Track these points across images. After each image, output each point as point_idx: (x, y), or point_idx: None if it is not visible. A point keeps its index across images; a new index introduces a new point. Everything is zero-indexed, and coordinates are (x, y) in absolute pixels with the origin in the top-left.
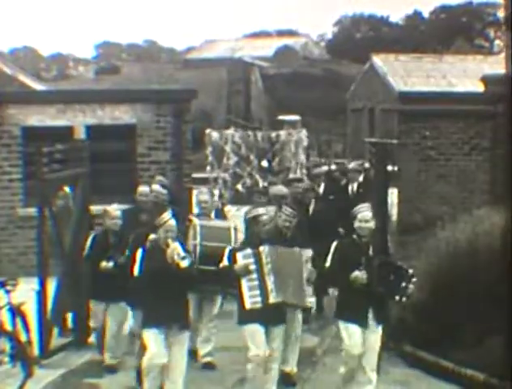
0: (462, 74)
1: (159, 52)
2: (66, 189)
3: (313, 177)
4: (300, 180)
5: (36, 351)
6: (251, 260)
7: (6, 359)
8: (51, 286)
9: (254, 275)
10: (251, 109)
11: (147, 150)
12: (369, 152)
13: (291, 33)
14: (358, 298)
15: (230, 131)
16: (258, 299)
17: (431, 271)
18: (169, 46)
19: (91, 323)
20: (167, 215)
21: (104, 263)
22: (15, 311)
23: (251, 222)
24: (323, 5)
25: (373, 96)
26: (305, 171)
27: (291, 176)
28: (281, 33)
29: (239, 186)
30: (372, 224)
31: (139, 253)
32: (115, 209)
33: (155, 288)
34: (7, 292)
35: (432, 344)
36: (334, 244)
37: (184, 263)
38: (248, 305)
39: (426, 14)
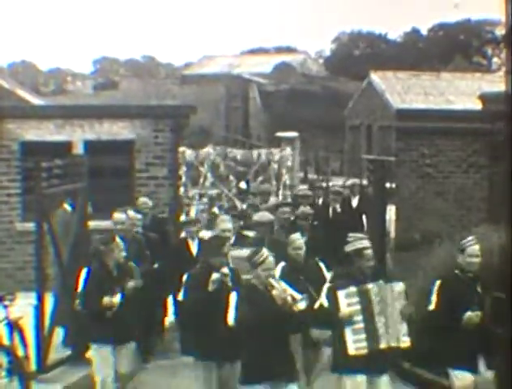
0: (460, 92)
1: (157, 67)
2: (66, 206)
3: (297, 198)
4: (288, 204)
5: (33, 366)
6: (356, 299)
7: (4, 374)
8: (49, 301)
9: (360, 317)
10: (249, 126)
11: (145, 165)
12: (367, 169)
13: (289, 50)
14: (468, 341)
15: (207, 149)
16: (365, 344)
17: (429, 288)
18: (167, 62)
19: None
20: (265, 252)
21: (107, 299)
22: (13, 326)
23: (352, 255)
24: (321, 22)
25: (370, 113)
26: (288, 192)
27: (272, 199)
28: (279, 50)
29: (215, 210)
30: (480, 259)
31: (233, 298)
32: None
33: (257, 337)
34: (5, 307)
35: (430, 362)
36: (438, 283)
37: (300, 306)
38: (352, 350)
39: (424, 32)
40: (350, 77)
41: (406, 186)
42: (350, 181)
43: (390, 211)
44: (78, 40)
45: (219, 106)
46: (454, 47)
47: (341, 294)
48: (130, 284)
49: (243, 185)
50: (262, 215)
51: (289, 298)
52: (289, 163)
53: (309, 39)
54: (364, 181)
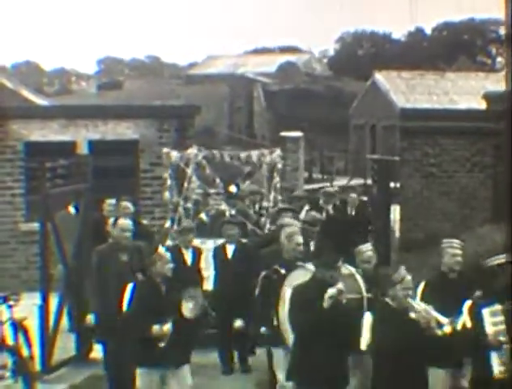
0: (465, 92)
1: (161, 67)
2: (71, 209)
3: (292, 200)
4: (290, 210)
5: (37, 366)
6: (501, 318)
7: (8, 374)
8: (53, 301)
9: (505, 337)
10: (253, 125)
11: (149, 166)
12: (372, 169)
13: (293, 50)
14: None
15: (190, 150)
16: (510, 366)
17: None
18: (172, 62)
19: None
20: (402, 269)
21: (156, 328)
22: (17, 326)
23: (494, 271)
24: (325, 21)
25: (375, 112)
26: (280, 197)
27: (280, 205)
28: (283, 50)
29: (203, 215)
30: (460, 260)
31: (368, 321)
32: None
33: (394, 363)
34: (9, 307)
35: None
36: (423, 283)
37: (446, 330)
38: (497, 373)
39: (428, 31)
40: (354, 77)
41: (410, 186)
42: (352, 182)
43: (395, 211)
44: (83, 40)
45: (224, 106)
46: (458, 46)
47: (485, 311)
48: (188, 306)
49: (233, 188)
50: (289, 222)
51: (433, 321)
52: (279, 165)
53: (313, 38)
54: (369, 181)
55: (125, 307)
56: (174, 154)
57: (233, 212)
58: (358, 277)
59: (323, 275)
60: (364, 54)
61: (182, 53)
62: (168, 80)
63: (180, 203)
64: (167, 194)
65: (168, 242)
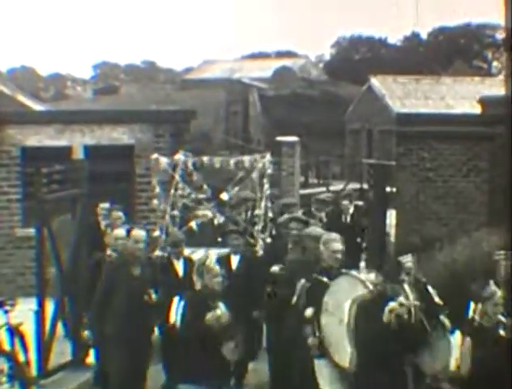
0: (461, 96)
1: (157, 72)
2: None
3: (283, 208)
4: (299, 219)
5: (34, 371)
6: None
7: (5, 379)
8: (49, 306)
9: None
10: (249, 130)
11: (145, 171)
12: (368, 174)
13: (289, 54)
14: None
15: (177, 156)
16: None
17: None
18: (168, 67)
19: None
20: (492, 285)
21: (210, 315)
22: (14, 331)
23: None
24: (321, 26)
25: (371, 117)
26: (269, 204)
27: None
28: (279, 54)
29: (193, 224)
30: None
31: (464, 344)
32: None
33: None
34: (6, 312)
35: None
36: None
37: None
38: None
39: (424, 36)
40: (350, 81)
41: (406, 190)
42: (347, 189)
43: (391, 216)
44: (78, 45)
45: (219, 111)
46: (454, 51)
47: None
48: (229, 346)
49: (225, 196)
50: (313, 230)
51: None
52: (269, 171)
53: (309, 43)
54: (365, 186)
55: (176, 321)
56: (164, 160)
57: (221, 220)
58: (406, 286)
59: (385, 287)
60: (360, 59)
61: (178, 58)
62: (163, 85)
63: (167, 210)
64: (155, 202)
65: (157, 252)
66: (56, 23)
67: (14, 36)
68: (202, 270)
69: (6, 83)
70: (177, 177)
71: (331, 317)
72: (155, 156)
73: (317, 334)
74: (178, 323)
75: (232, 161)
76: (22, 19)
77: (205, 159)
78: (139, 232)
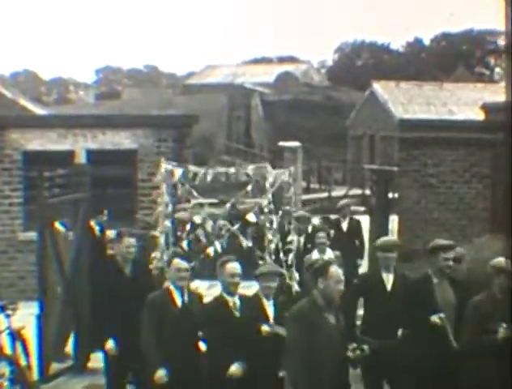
0: (463, 102)
1: (159, 77)
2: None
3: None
4: (324, 229)
5: (35, 375)
6: None
7: (6, 383)
8: (51, 310)
9: None
10: (251, 135)
11: (147, 175)
12: (370, 180)
13: (291, 60)
14: None
15: (163, 167)
16: None
17: None
18: (170, 71)
19: None
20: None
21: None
22: (15, 335)
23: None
24: (324, 32)
25: (373, 123)
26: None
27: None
28: (282, 60)
29: (184, 244)
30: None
31: None
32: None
33: None
34: (7, 316)
35: None
36: None
37: None
38: None
39: (427, 42)
40: (352, 87)
41: (408, 196)
42: (341, 202)
43: (393, 222)
44: (81, 49)
45: (222, 116)
46: (456, 57)
47: None
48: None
49: (252, 217)
50: (387, 240)
51: None
52: (268, 183)
53: (311, 49)
54: (367, 191)
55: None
56: (179, 171)
57: (250, 244)
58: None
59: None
60: (363, 65)
61: (180, 63)
62: (166, 90)
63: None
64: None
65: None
66: (59, 28)
67: (16, 40)
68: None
69: (9, 88)
70: (162, 189)
71: None
72: (169, 166)
73: None
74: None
75: (232, 171)
76: (25, 23)
77: (197, 170)
78: (182, 263)
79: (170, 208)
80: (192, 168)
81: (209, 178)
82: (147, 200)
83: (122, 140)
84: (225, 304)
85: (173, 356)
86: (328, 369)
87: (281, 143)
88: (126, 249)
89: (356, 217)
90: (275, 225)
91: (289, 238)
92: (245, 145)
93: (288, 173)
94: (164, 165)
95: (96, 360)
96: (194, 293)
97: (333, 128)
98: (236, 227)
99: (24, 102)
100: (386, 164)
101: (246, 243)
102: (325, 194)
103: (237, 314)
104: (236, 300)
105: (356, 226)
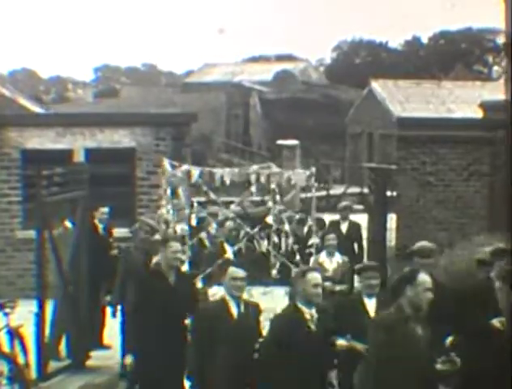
0: (461, 101)
1: (158, 75)
2: (68, 223)
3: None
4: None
5: (33, 374)
6: None
7: (4, 381)
8: (49, 309)
9: None
10: (250, 134)
11: (146, 174)
12: (368, 178)
13: (290, 58)
14: None
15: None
16: None
17: None
18: (168, 70)
19: None
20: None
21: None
22: (14, 333)
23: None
24: (322, 30)
25: (371, 121)
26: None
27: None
28: (280, 58)
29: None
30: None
31: None
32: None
33: None
34: (6, 314)
35: None
36: None
37: None
38: None
39: (425, 40)
40: (351, 85)
41: (407, 195)
42: (342, 204)
43: (391, 220)
44: (80, 47)
45: (220, 114)
46: (455, 55)
47: None
48: None
49: (271, 219)
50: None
51: None
52: (273, 184)
53: (309, 47)
54: (366, 190)
55: None
56: (196, 171)
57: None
58: None
59: None
60: (361, 63)
61: (179, 61)
62: (164, 88)
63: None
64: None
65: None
66: (57, 26)
67: (15, 39)
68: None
69: (7, 86)
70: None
71: None
72: (185, 166)
73: None
74: None
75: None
76: (23, 21)
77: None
78: (239, 271)
79: (187, 211)
80: (210, 169)
81: (227, 179)
82: (146, 198)
83: (121, 138)
84: (301, 316)
85: (230, 373)
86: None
87: (279, 142)
88: (172, 254)
89: (357, 221)
90: (287, 227)
91: (311, 241)
92: (243, 143)
93: (309, 174)
94: (167, 165)
95: (94, 358)
96: (251, 304)
97: (331, 126)
98: (255, 230)
99: (23, 100)
100: (384, 163)
101: (266, 246)
102: (323, 193)
103: (313, 327)
104: (314, 312)
105: (355, 229)
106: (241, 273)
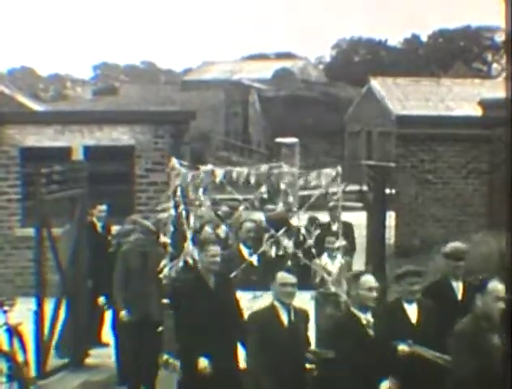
0: (460, 98)
1: (157, 73)
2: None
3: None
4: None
5: (32, 371)
6: None
7: (3, 379)
8: (48, 307)
9: None
10: (249, 131)
11: (145, 171)
12: (367, 175)
13: (289, 56)
14: None
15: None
16: None
17: None
18: (167, 67)
19: None
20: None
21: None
22: (12, 331)
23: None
24: (321, 28)
25: (370, 119)
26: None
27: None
28: (279, 56)
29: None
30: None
31: None
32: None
33: None
34: (4, 312)
35: None
36: None
37: None
38: None
39: (424, 38)
40: (350, 83)
41: (405, 192)
42: (331, 204)
43: (390, 217)
44: (78, 45)
45: (219, 112)
46: (454, 53)
47: None
48: None
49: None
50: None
51: None
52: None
53: (309, 45)
54: (365, 187)
55: None
56: (220, 172)
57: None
58: None
59: None
60: (360, 61)
61: (178, 59)
62: (163, 86)
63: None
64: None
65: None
66: (56, 24)
67: (13, 37)
68: None
69: (6, 84)
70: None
71: None
72: (209, 167)
73: None
74: None
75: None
76: (22, 19)
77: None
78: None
79: (212, 214)
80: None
81: (253, 180)
82: (145, 196)
83: (119, 136)
84: (358, 321)
85: (280, 382)
86: None
87: (278, 139)
88: (211, 258)
89: (348, 221)
90: (303, 230)
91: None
92: (242, 141)
93: (335, 173)
94: (176, 164)
95: (94, 356)
96: (301, 311)
97: (330, 124)
98: (280, 232)
99: (21, 98)
100: (383, 160)
101: (293, 249)
102: (322, 190)
103: (371, 332)
104: (369, 317)
105: (347, 230)
106: (291, 279)
